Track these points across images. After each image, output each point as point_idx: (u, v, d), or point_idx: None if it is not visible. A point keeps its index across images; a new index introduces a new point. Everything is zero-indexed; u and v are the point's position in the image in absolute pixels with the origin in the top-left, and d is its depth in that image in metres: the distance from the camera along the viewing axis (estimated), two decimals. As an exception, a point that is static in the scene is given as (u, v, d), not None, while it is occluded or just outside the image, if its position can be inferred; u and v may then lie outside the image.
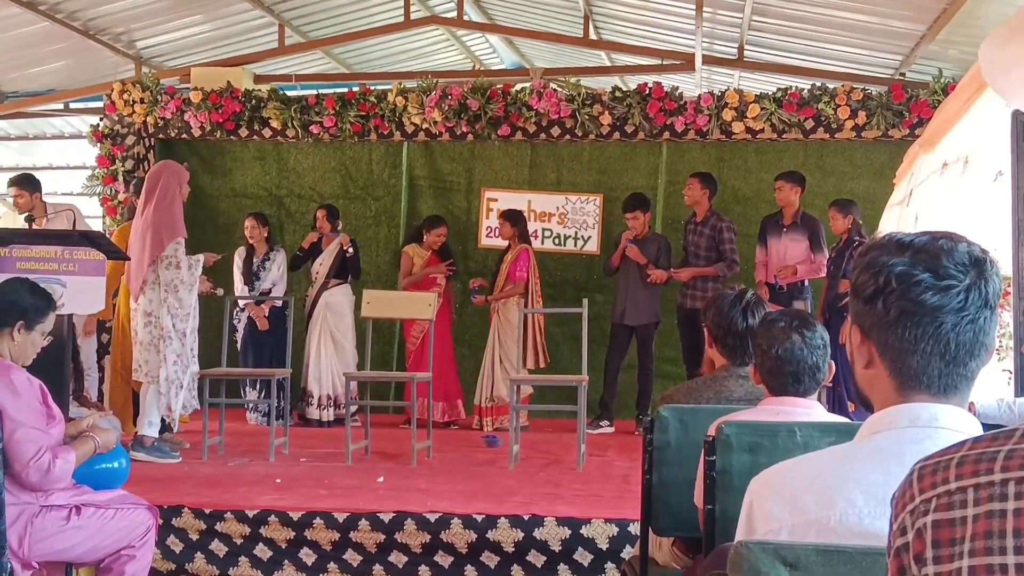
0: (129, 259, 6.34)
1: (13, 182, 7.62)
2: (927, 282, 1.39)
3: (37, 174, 8.22)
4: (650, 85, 8.51)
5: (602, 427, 7.91)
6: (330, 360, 8.22)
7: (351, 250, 8.25)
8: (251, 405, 8.28)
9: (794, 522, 1.48)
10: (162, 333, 6.19)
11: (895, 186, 7.69)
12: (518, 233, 8.09)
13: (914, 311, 1.40)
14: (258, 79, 9.77)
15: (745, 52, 9.12)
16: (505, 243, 8.23)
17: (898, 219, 6.83)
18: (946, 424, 1.42)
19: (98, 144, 9.28)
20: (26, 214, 7.02)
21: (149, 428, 6.30)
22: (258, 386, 8.19)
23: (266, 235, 8.46)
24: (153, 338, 6.23)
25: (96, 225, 9.40)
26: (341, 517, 4.76)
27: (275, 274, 8.32)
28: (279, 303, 8.15)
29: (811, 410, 2.69)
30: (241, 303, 8.24)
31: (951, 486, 1.01)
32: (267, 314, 8.21)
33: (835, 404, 7.09)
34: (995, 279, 1.41)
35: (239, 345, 8.29)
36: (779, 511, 1.50)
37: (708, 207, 7.80)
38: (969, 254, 1.41)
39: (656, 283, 7.83)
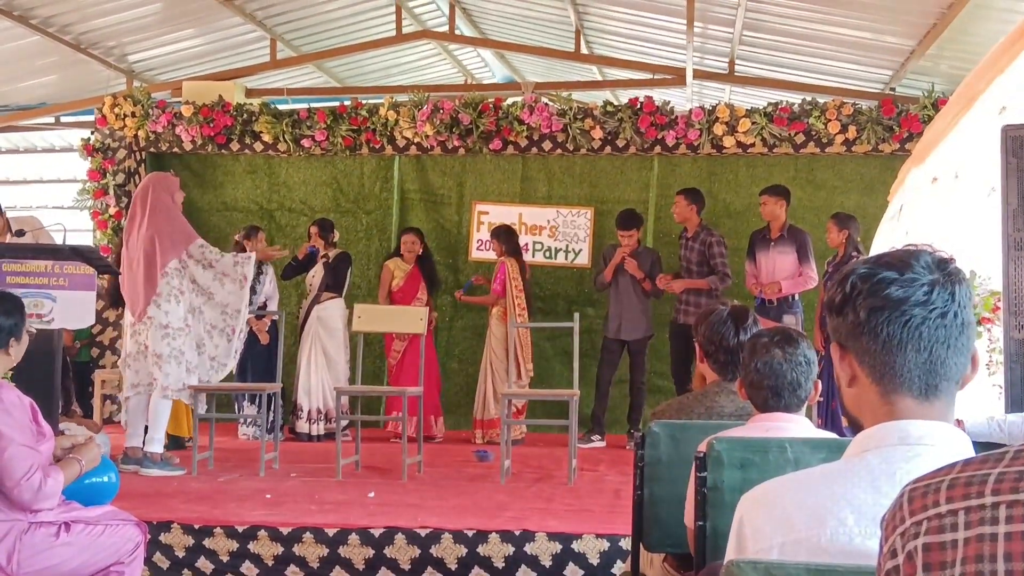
0: (120, 273, 6.32)
1: None
2: (890, 278, 1.42)
3: (28, 187, 8.19)
4: (641, 99, 8.54)
5: (593, 441, 7.90)
6: (320, 374, 8.20)
7: (328, 258, 8.25)
8: (247, 420, 8.21)
9: (784, 540, 1.48)
10: (191, 341, 6.23)
11: (889, 202, 7.71)
12: (505, 249, 8.13)
13: (881, 306, 1.42)
14: (250, 93, 9.79)
15: (736, 67, 9.16)
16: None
17: (890, 234, 6.85)
18: (936, 441, 1.42)
19: (89, 158, 9.28)
20: (18, 229, 6.98)
21: (158, 444, 6.29)
22: (257, 400, 8.16)
23: None
24: (173, 350, 6.21)
25: (86, 239, 9.39)
26: (331, 532, 4.74)
27: (269, 288, 8.31)
28: (276, 317, 8.13)
29: (798, 425, 2.68)
30: None
31: (941, 509, 1.01)
32: (267, 328, 8.18)
33: (828, 420, 7.10)
34: (963, 283, 1.44)
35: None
36: (769, 529, 1.50)
37: (698, 222, 7.84)
38: (933, 257, 1.44)
39: (661, 290, 7.88)
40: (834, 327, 1.50)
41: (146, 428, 6.39)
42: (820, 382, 2.81)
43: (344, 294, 8.36)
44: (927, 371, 1.43)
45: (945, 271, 1.43)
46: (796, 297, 7.70)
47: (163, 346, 6.20)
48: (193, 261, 6.31)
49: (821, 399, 6.78)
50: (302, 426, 8.17)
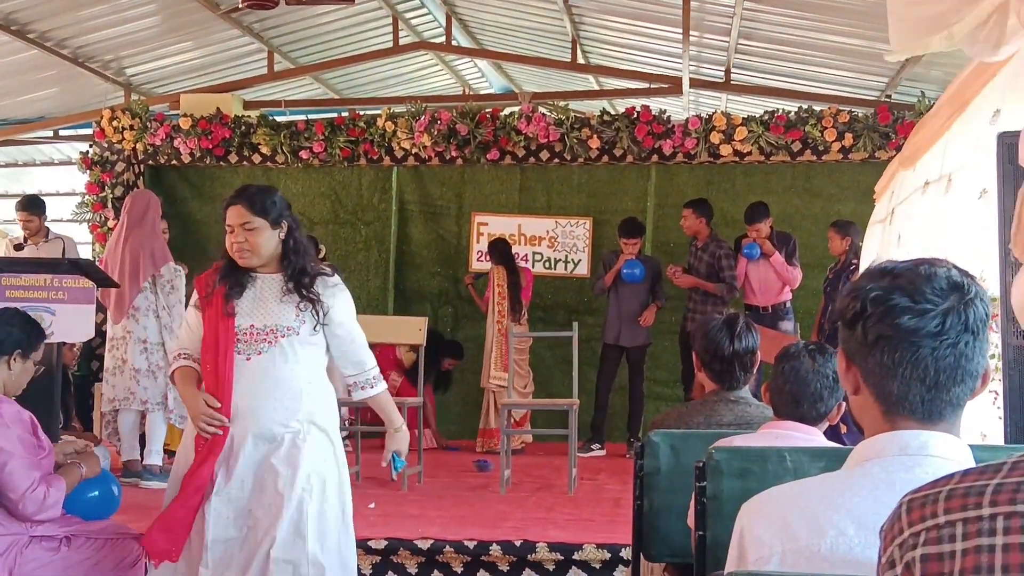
0: (119, 286, 6.32)
1: (23, 206, 7.64)
2: (903, 305, 1.40)
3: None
4: (638, 108, 8.55)
5: (593, 450, 7.90)
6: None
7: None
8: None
9: (784, 549, 1.48)
10: (167, 358, 6.18)
11: (876, 202, 7.73)
12: (494, 259, 8.25)
13: (891, 335, 1.41)
14: (247, 105, 9.80)
15: (732, 75, 9.18)
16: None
17: (881, 237, 6.86)
18: (936, 452, 1.43)
19: (88, 171, 9.28)
20: (17, 243, 7.01)
21: (157, 456, 6.29)
22: None
23: None
24: (151, 365, 6.20)
25: (86, 252, 9.38)
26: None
27: None
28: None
29: (811, 436, 2.68)
30: None
31: (939, 520, 1.01)
32: None
33: (828, 428, 7.10)
34: (978, 304, 1.41)
35: None
36: (769, 537, 1.50)
37: (708, 233, 7.87)
38: (949, 279, 1.41)
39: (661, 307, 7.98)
40: (843, 337, 1.49)
41: (142, 440, 6.39)
42: (844, 404, 2.79)
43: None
44: (931, 398, 1.43)
45: (961, 295, 1.40)
46: (789, 304, 7.75)
47: (141, 361, 6.20)
48: (163, 281, 6.28)
49: (834, 423, 6.78)
50: None
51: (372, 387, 3.62)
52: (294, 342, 3.41)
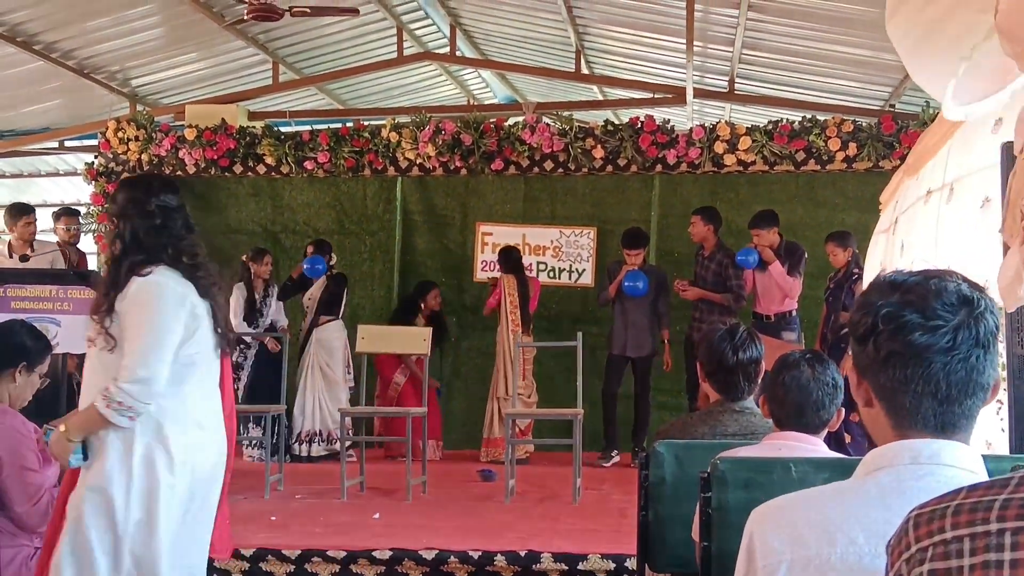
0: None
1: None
2: (914, 322, 1.40)
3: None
4: (642, 118, 8.56)
5: (613, 458, 7.94)
6: (316, 395, 8.18)
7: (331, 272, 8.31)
8: (253, 442, 8.14)
9: (793, 557, 1.48)
10: None
11: (881, 212, 7.72)
12: (503, 268, 8.28)
13: (902, 352, 1.41)
14: (252, 116, 9.82)
15: (736, 85, 9.20)
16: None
17: (884, 247, 6.85)
18: (947, 461, 1.42)
19: (93, 182, 9.30)
20: (23, 253, 7.03)
21: None
22: (262, 423, 8.12)
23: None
24: None
25: (92, 263, 9.39)
26: (338, 555, 4.73)
27: (275, 308, 8.33)
28: (281, 336, 8.11)
29: (815, 447, 2.68)
30: (248, 338, 8.17)
31: (947, 535, 1.01)
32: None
33: (832, 438, 7.07)
34: (988, 318, 1.41)
35: (244, 383, 8.18)
36: (779, 544, 1.50)
37: (715, 241, 7.84)
38: (959, 294, 1.41)
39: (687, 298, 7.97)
40: (855, 352, 1.49)
41: None
42: (844, 410, 2.79)
43: (342, 315, 8.36)
44: (943, 412, 1.43)
45: (971, 310, 1.40)
46: (794, 313, 7.72)
47: None
48: None
49: (833, 430, 6.77)
50: (294, 448, 8.12)
51: (97, 399, 2.93)
52: (94, 355, 3.06)
